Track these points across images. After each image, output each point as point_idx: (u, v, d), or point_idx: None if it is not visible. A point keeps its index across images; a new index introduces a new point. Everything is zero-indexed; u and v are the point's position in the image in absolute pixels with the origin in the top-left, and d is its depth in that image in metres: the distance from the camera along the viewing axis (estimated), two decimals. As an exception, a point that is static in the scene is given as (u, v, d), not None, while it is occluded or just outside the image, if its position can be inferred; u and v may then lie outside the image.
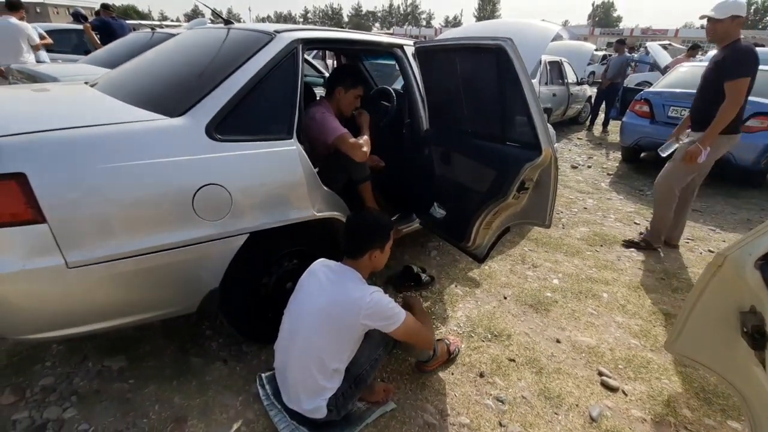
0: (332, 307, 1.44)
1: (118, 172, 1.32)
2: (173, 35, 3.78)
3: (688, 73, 5.78)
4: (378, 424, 1.63)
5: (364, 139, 2.12)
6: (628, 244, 3.32)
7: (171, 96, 1.63)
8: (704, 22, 2.79)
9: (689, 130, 3.03)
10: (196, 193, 1.47)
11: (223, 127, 1.56)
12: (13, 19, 4.83)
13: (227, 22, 2.15)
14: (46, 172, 1.23)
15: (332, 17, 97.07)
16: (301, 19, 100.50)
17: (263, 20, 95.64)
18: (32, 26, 5.18)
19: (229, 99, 1.59)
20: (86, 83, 2.15)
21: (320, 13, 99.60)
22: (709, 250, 3.41)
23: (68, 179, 1.26)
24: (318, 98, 2.31)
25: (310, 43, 1.92)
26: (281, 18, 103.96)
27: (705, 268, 0.91)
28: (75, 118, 1.41)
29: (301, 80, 1.83)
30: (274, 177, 1.70)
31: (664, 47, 12.13)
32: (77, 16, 7.25)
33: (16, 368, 1.83)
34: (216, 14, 2.58)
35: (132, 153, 1.36)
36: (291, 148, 1.75)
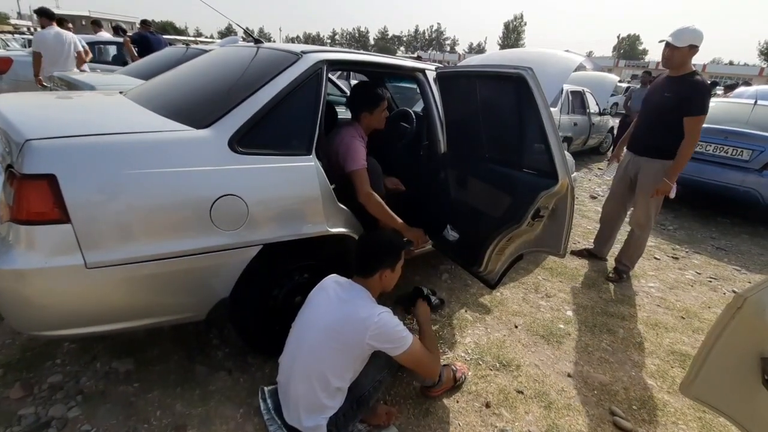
0: (340, 325, 1.44)
1: (142, 178, 1.38)
2: (206, 51, 3.96)
3: (714, 107, 5.70)
4: (378, 448, 1.60)
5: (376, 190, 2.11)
6: (610, 279, 3.23)
7: (198, 109, 1.69)
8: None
9: (626, 150, 3.16)
10: (214, 202, 1.51)
11: (245, 141, 1.60)
12: (66, 31, 5.09)
13: (257, 41, 2.23)
14: (74, 175, 1.28)
15: (359, 39, 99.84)
16: (329, 41, 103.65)
17: (293, 40, 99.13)
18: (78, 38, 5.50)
19: (253, 114, 1.64)
20: (120, 93, 2.26)
21: (347, 35, 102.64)
22: (733, 291, 3.28)
23: (95, 183, 1.32)
24: (349, 119, 2.33)
25: (334, 65, 1.98)
26: (309, 38, 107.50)
27: (724, 309, 0.88)
28: (106, 125, 1.48)
29: (324, 99, 1.88)
30: (291, 191, 1.74)
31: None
32: (118, 30, 7.66)
33: (28, 363, 1.87)
34: (247, 33, 2.69)
35: (157, 161, 1.41)
36: (309, 164, 1.79)
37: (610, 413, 1.89)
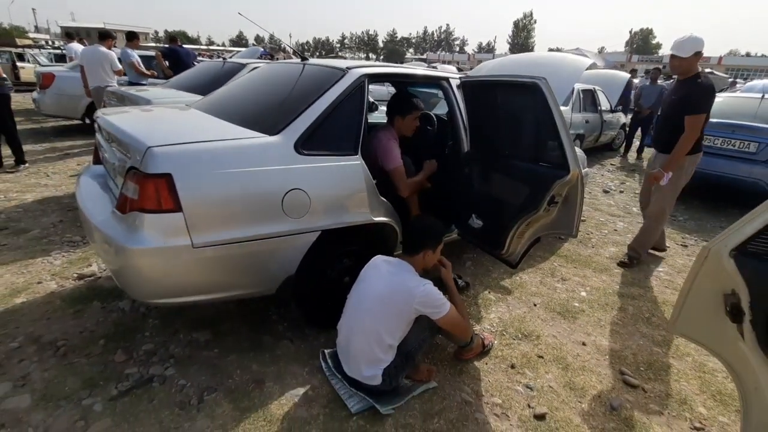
0: (391, 293, 1.76)
1: (233, 176, 1.72)
2: (242, 64, 4.35)
3: (723, 102, 5.90)
4: (422, 397, 1.91)
5: (414, 180, 2.58)
6: (621, 264, 3.49)
7: (268, 118, 2.03)
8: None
9: (654, 150, 3.48)
10: (285, 195, 1.85)
11: (307, 144, 1.95)
12: (102, 48, 5.60)
13: (303, 58, 2.58)
14: (185, 173, 1.63)
15: (368, 43, 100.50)
16: (338, 45, 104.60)
17: (302, 45, 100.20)
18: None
19: (312, 121, 1.98)
20: (186, 105, 2.63)
21: (356, 39, 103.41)
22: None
23: (199, 179, 1.67)
24: (385, 123, 2.70)
25: (374, 77, 2.31)
26: (319, 43, 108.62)
27: (695, 259, 1.17)
28: (201, 134, 1.85)
29: (366, 106, 2.22)
30: (342, 185, 2.07)
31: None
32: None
33: (122, 335, 2.23)
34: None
35: (243, 162, 1.76)
36: (356, 162, 2.12)
37: (620, 373, 2.17)
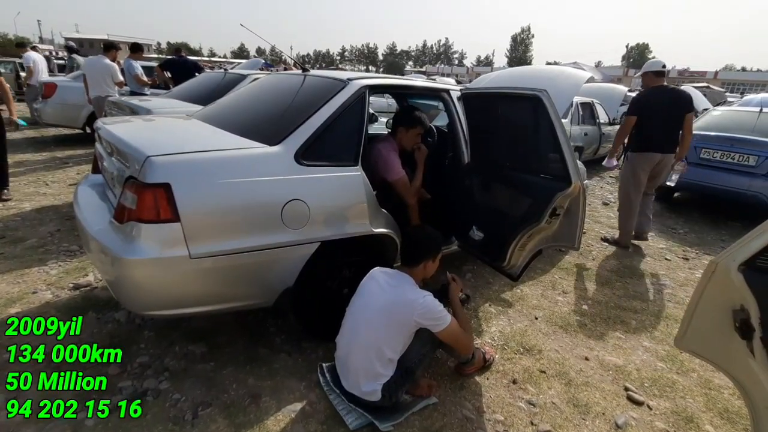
0: (391, 306, 1.73)
1: (232, 186, 1.71)
2: (243, 75, 4.37)
3: (721, 116, 5.94)
4: (422, 413, 1.86)
5: (416, 185, 2.63)
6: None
7: (268, 129, 2.03)
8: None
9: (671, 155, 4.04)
10: (284, 205, 1.83)
11: (307, 155, 1.93)
12: (105, 59, 5.64)
13: (304, 69, 2.59)
14: (184, 183, 1.61)
15: (368, 56, 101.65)
16: (338, 57, 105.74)
17: (304, 57, 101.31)
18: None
19: (313, 132, 1.97)
20: (186, 116, 2.62)
21: (356, 52, 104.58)
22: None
23: (198, 189, 1.65)
24: (386, 134, 2.71)
25: (375, 89, 2.31)
26: (320, 56, 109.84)
27: (702, 274, 1.14)
28: (201, 144, 1.83)
29: (367, 118, 2.21)
30: (343, 196, 2.06)
31: (702, 90, 12.22)
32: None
33: (117, 347, 2.17)
34: (259, 52, 3.07)
35: (243, 172, 1.75)
36: (357, 173, 2.11)
37: (624, 389, 2.12)
